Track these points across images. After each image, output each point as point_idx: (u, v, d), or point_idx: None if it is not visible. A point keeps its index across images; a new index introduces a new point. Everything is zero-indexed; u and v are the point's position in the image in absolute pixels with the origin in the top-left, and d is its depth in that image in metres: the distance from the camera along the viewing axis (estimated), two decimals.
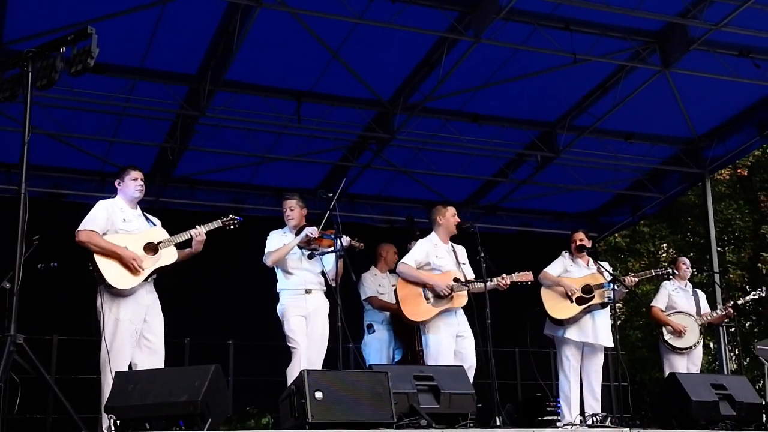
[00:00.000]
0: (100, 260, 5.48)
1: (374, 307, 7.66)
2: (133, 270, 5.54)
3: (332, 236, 6.38)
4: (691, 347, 7.88)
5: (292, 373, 6.10)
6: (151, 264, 5.63)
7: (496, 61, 8.80)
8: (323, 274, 6.61)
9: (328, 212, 6.42)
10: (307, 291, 6.48)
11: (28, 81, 4.45)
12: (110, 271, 5.48)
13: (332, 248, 6.39)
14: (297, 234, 6.53)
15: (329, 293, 6.52)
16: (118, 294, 5.52)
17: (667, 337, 7.85)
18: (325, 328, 6.45)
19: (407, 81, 9.08)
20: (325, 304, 6.52)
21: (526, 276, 6.81)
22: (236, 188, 10.81)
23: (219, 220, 6.02)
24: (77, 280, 5.86)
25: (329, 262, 6.53)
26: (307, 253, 6.54)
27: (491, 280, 6.59)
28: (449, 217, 6.90)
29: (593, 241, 12.10)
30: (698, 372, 8.05)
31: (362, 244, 6.64)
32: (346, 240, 6.38)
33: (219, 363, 4.72)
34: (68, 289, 7.75)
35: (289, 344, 6.40)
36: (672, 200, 12.73)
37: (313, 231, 6.43)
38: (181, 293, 7.41)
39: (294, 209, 6.60)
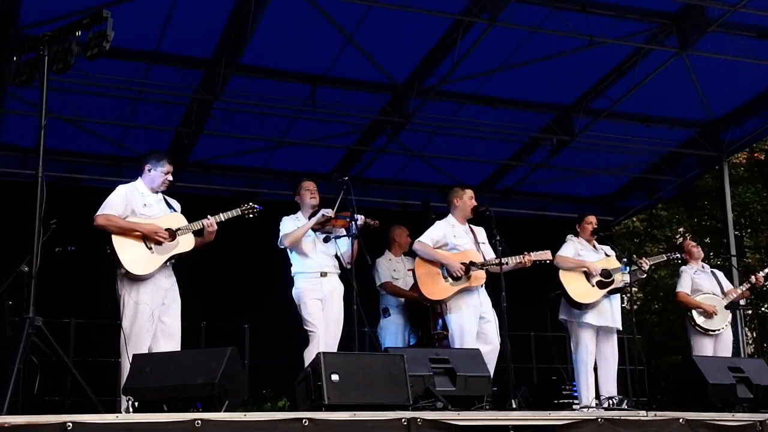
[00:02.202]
0: (117, 244, 5.46)
1: (388, 292, 7.66)
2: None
3: (347, 218, 6.38)
4: (722, 329, 7.76)
5: (309, 357, 6.08)
6: (169, 250, 5.62)
7: (512, 44, 8.74)
8: (338, 257, 6.61)
9: (342, 194, 6.41)
10: (323, 274, 6.48)
11: (44, 65, 4.47)
12: (126, 255, 5.46)
13: (347, 229, 6.39)
14: (312, 216, 6.54)
15: (344, 276, 6.52)
16: (137, 278, 5.51)
17: (699, 320, 7.71)
18: (341, 310, 6.46)
19: (422, 64, 9.04)
20: (340, 287, 6.52)
21: (545, 254, 6.79)
22: (251, 173, 10.82)
23: (238, 209, 5.95)
24: (94, 264, 5.87)
25: (344, 244, 6.51)
26: (322, 236, 6.55)
27: (513, 259, 6.59)
28: (466, 200, 6.87)
29: (610, 225, 12.08)
30: (730, 356, 7.88)
31: (377, 222, 6.64)
32: (360, 219, 6.38)
33: (235, 346, 4.74)
34: (86, 273, 7.78)
35: (306, 328, 6.41)
36: (689, 184, 12.64)
37: (328, 211, 6.44)
38: (198, 277, 7.43)
39: (316, 190, 6.64)
